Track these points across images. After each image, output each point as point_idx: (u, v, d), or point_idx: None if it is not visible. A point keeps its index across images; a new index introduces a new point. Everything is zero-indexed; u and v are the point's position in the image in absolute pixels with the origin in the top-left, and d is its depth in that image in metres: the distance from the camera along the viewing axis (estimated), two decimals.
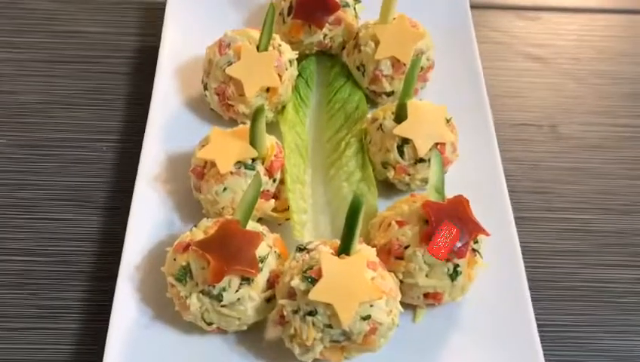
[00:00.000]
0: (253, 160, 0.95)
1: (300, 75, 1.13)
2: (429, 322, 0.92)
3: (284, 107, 1.10)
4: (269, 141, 0.96)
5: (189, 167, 0.98)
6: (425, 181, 0.98)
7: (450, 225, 0.83)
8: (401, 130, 0.98)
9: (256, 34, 1.05)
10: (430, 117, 0.98)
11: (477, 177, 1.03)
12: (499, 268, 0.94)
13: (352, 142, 1.05)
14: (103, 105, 1.19)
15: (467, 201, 0.86)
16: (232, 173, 0.93)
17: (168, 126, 1.09)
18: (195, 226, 0.88)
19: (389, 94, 1.11)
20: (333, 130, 1.09)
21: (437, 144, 0.97)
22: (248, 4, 1.27)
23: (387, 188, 1.04)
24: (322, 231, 0.98)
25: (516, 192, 1.10)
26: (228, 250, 0.82)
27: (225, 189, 0.93)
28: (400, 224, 0.87)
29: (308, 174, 1.03)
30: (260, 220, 0.94)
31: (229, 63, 1.03)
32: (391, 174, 1.01)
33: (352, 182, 1.01)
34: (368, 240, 0.91)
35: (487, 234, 0.88)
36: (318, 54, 1.20)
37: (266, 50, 1.04)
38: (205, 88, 1.08)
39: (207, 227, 0.86)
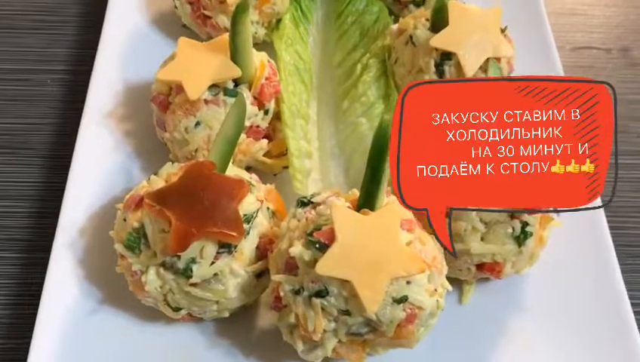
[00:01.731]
0: (236, 82, 0.78)
1: None
2: (480, 303, 0.76)
3: (279, 22, 0.94)
4: (257, 58, 0.80)
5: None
6: None
7: None
8: (441, 40, 0.81)
9: None
10: (479, 23, 0.82)
11: None
12: (574, 229, 0.79)
13: (370, 63, 0.90)
14: (48, 29, 1.06)
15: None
16: (206, 101, 0.77)
17: (127, 49, 0.95)
18: (155, 174, 0.72)
19: (419, 3, 0.96)
20: (345, 50, 0.94)
21: (489, 60, 0.81)
22: None
23: None
24: (332, 182, 0.84)
25: None
26: (198, 205, 0.65)
27: (197, 124, 0.77)
28: None
29: (312, 108, 0.89)
30: (248, 169, 0.80)
31: None
32: None
33: (372, 117, 0.86)
34: None
35: None
36: None
37: None
38: None
39: (170, 174, 0.71)
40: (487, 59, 0.80)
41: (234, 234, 0.65)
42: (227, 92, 0.76)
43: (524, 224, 0.69)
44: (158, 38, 0.96)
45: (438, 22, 0.82)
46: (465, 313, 0.75)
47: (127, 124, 0.87)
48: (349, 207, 0.66)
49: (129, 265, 0.68)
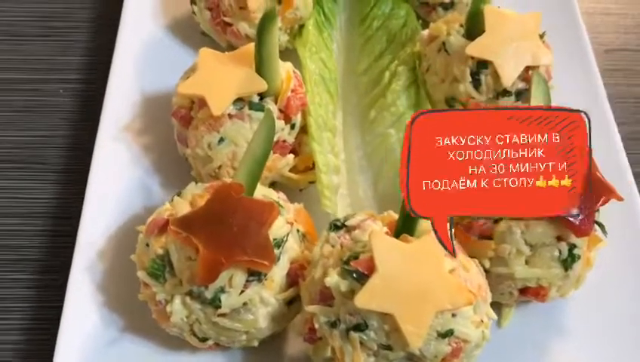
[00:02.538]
0: (262, 96, 0.75)
1: None
2: (519, 325, 0.73)
3: (301, 27, 0.91)
4: (283, 69, 0.77)
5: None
6: None
7: None
8: (477, 48, 0.78)
9: None
10: (517, 29, 0.78)
11: None
12: (619, 248, 0.76)
13: (399, 71, 0.86)
14: (58, 35, 1.04)
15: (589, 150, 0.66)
16: (230, 115, 0.74)
17: (143, 58, 0.92)
18: (179, 195, 0.69)
19: (448, 6, 0.92)
20: (371, 57, 0.90)
21: (529, 68, 0.77)
22: None
23: None
24: (361, 196, 0.82)
25: (623, 140, 0.88)
26: (226, 232, 0.62)
27: (221, 140, 0.74)
28: None
29: (338, 118, 0.85)
30: (272, 185, 0.77)
31: None
32: None
33: (402, 128, 0.83)
34: None
35: (620, 199, 0.67)
36: None
37: None
38: (193, 2, 0.91)
39: (195, 195, 0.67)
40: (530, 69, 0.76)
41: (265, 263, 0.61)
42: (252, 106, 0.73)
43: (572, 246, 0.65)
44: (176, 46, 0.93)
45: (474, 28, 0.78)
46: (504, 336, 0.71)
47: (146, 138, 0.84)
48: (386, 233, 0.62)
49: (153, 293, 0.65)
